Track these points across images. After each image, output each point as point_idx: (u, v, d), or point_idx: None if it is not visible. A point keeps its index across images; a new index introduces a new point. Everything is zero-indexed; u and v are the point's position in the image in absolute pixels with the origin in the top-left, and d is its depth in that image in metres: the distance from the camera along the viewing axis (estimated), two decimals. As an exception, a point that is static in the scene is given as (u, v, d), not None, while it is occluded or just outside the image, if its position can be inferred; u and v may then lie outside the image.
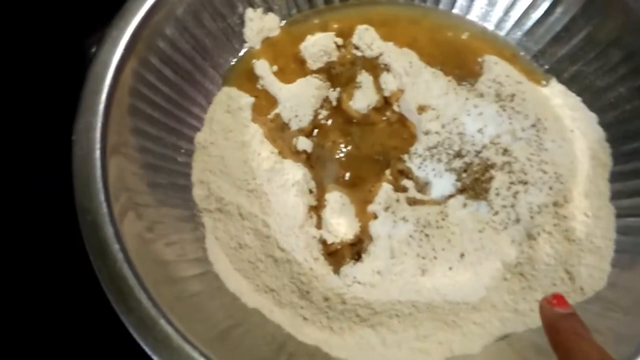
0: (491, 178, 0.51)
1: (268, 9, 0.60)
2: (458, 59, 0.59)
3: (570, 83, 0.57)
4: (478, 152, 0.53)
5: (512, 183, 0.51)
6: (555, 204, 0.50)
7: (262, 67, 0.58)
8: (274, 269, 0.49)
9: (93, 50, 0.48)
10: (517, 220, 0.50)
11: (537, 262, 0.48)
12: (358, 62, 0.59)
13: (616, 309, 0.46)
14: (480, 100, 0.55)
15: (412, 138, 0.55)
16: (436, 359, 0.47)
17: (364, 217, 0.52)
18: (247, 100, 0.56)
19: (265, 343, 0.46)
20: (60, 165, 0.44)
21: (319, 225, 0.51)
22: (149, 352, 0.38)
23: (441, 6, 0.63)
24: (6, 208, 0.55)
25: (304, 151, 0.54)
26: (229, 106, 0.55)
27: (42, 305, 0.53)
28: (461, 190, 0.52)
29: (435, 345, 0.47)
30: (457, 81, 0.57)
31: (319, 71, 0.58)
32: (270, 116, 0.56)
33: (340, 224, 0.51)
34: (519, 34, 0.61)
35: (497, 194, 0.51)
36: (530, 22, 0.60)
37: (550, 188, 0.50)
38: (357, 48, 0.59)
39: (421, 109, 0.55)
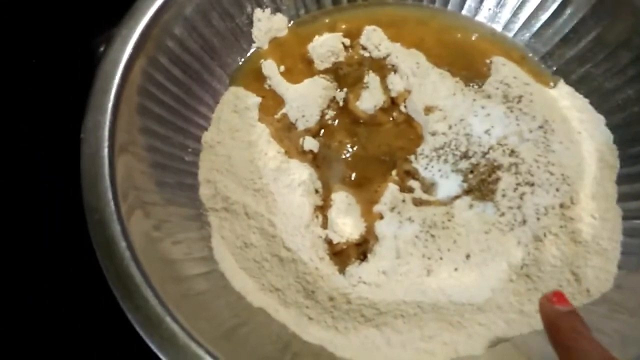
0: (498, 179, 0.51)
1: (276, 10, 0.60)
2: (466, 60, 0.59)
3: (579, 85, 0.57)
4: (485, 153, 0.53)
5: (518, 184, 0.51)
6: (562, 206, 0.50)
7: (270, 67, 0.58)
8: (280, 269, 0.49)
9: (101, 49, 0.48)
10: (524, 222, 0.49)
11: (543, 263, 0.48)
12: (365, 62, 0.59)
13: (622, 310, 0.46)
14: (488, 101, 0.55)
15: (418, 139, 0.55)
16: (441, 360, 0.47)
17: (370, 217, 0.52)
18: (254, 100, 0.56)
19: (271, 342, 0.46)
20: (60, 165, 0.44)
21: (324, 225, 0.51)
22: (155, 350, 0.39)
23: (449, 7, 0.63)
24: (6, 208, 0.56)
25: (311, 151, 0.54)
26: (236, 106, 0.56)
27: (42, 305, 0.53)
28: (467, 191, 0.52)
29: (440, 346, 0.47)
30: (464, 82, 0.57)
31: (326, 71, 0.59)
32: (277, 116, 0.56)
33: (346, 224, 0.51)
34: (527, 35, 0.60)
35: (504, 195, 0.50)
36: (538, 24, 0.60)
37: (557, 190, 0.50)
38: (364, 49, 0.59)
39: (428, 109, 0.55)
